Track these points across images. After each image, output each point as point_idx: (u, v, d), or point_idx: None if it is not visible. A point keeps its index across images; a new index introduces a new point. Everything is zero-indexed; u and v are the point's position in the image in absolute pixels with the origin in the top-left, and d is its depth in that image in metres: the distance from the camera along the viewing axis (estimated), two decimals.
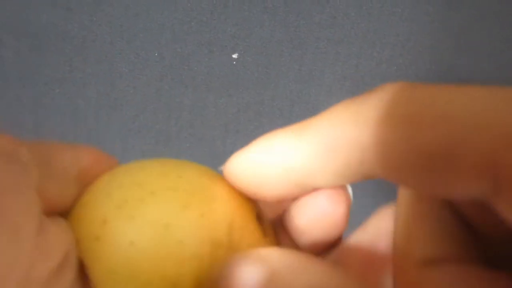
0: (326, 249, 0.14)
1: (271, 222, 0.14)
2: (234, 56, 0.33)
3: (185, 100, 0.34)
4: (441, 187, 0.09)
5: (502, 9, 0.32)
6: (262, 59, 0.33)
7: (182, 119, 0.34)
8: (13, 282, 0.09)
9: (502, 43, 0.33)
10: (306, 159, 0.11)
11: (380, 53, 0.33)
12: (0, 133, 0.11)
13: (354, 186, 0.14)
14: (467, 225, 0.11)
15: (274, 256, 0.10)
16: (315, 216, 0.13)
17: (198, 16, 0.31)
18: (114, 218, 0.11)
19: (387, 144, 0.10)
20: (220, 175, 0.14)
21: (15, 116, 0.32)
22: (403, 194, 0.12)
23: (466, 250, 0.10)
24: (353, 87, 0.34)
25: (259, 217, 0.13)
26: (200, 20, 0.32)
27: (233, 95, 0.34)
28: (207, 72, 0.33)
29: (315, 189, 0.12)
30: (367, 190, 0.35)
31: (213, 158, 0.35)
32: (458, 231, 0.11)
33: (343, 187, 0.13)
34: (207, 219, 0.12)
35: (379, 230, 0.13)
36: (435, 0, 0.32)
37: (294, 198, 0.13)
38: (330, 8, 0.32)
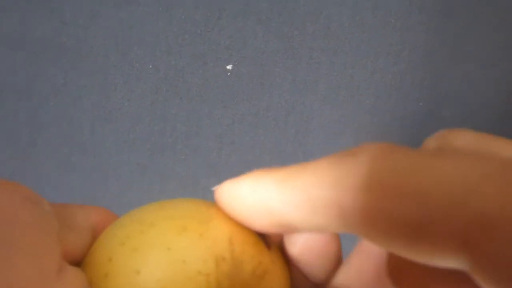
0: (328, 275, 0.14)
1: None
2: (229, 67, 0.33)
3: (180, 112, 0.34)
4: (419, 256, 0.09)
5: (496, 18, 0.32)
6: (256, 70, 0.33)
7: (177, 130, 0.34)
8: None
9: (497, 52, 0.33)
10: (287, 208, 0.11)
11: (374, 63, 0.33)
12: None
13: None
14: None
15: None
16: (306, 244, 0.13)
17: (192, 28, 0.32)
18: (119, 254, 0.12)
19: (365, 211, 0.10)
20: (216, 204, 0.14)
21: (10, 128, 0.32)
22: None
23: None
24: (348, 97, 0.34)
25: (260, 233, 0.13)
26: (194, 32, 0.32)
27: (228, 106, 0.34)
28: (202, 83, 0.33)
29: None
30: None
31: (208, 169, 0.35)
32: None
33: None
34: (207, 237, 0.12)
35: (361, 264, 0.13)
36: (428, 9, 0.32)
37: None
38: (324, 18, 0.32)
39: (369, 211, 0.10)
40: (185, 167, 0.35)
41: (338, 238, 0.13)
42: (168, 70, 0.33)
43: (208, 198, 0.14)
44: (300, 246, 0.13)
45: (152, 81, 0.33)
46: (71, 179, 0.34)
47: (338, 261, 0.13)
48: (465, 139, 0.10)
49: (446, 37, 0.33)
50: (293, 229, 0.12)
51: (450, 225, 0.09)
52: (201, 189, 0.35)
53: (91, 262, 0.12)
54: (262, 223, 0.12)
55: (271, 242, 0.14)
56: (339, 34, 0.32)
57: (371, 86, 0.34)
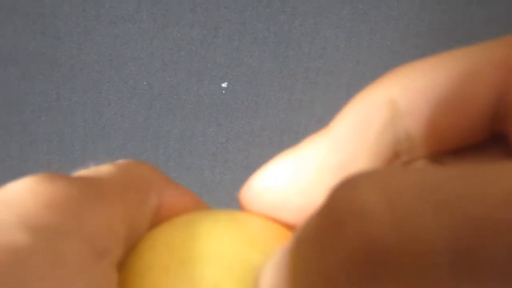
0: None
1: None
2: (224, 85, 0.33)
3: (174, 129, 0.33)
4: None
5: None
6: (251, 88, 0.33)
7: (170, 148, 0.34)
8: None
9: None
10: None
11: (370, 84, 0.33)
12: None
13: None
14: None
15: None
16: None
17: (187, 46, 0.31)
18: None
19: None
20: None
21: (0, 143, 0.32)
22: None
23: None
24: None
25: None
26: (189, 49, 0.32)
27: (222, 125, 0.33)
28: (196, 101, 0.33)
29: None
30: None
31: (201, 188, 0.35)
32: None
33: None
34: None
35: None
36: (424, 34, 0.32)
37: None
38: (320, 39, 0.32)
39: None
40: None
41: None
42: (163, 87, 0.32)
43: None
44: None
45: (146, 98, 0.32)
46: None
47: None
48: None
49: None
50: None
51: None
52: None
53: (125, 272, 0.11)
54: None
55: None
56: (335, 55, 0.32)
57: None
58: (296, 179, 0.12)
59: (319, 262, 0.07)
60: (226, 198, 0.35)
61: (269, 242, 0.11)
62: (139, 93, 0.32)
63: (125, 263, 0.11)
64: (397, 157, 0.11)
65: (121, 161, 0.12)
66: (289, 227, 0.12)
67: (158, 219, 0.12)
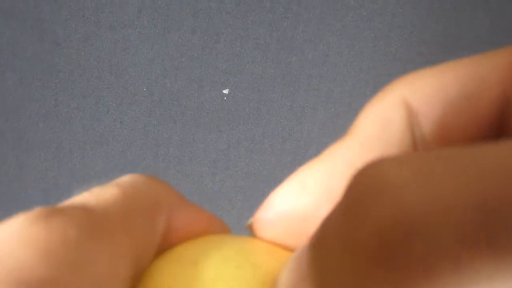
0: None
1: None
2: (225, 91, 0.32)
3: (174, 136, 0.33)
4: None
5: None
6: (253, 95, 0.32)
7: (170, 155, 0.33)
8: None
9: None
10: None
11: (373, 92, 0.33)
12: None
13: None
14: None
15: None
16: None
17: (188, 52, 0.31)
18: None
19: None
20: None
21: None
22: None
23: None
24: (347, 125, 0.33)
25: None
26: (191, 55, 0.31)
27: (223, 131, 0.33)
28: (197, 107, 0.32)
29: None
30: None
31: (201, 195, 0.34)
32: None
33: None
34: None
35: None
36: (429, 41, 0.32)
37: None
38: (323, 45, 0.31)
39: None
40: None
41: None
42: (163, 93, 0.32)
43: None
44: None
45: (145, 104, 0.32)
46: (59, 203, 0.33)
47: None
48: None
49: None
50: None
51: None
52: None
53: None
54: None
55: None
56: (338, 62, 0.32)
57: None
58: (324, 193, 0.11)
59: (348, 239, 0.07)
60: (227, 206, 0.35)
61: None
62: (138, 99, 0.32)
63: None
64: None
65: (127, 179, 0.11)
66: None
67: (167, 243, 0.11)
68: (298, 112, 0.33)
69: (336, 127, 0.33)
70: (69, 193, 0.35)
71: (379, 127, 0.11)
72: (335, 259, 0.07)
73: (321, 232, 0.08)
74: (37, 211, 0.09)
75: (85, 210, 0.09)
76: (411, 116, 0.11)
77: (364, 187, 0.07)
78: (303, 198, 0.11)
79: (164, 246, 0.11)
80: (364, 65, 0.32)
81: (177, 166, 0.33)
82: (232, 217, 0.35)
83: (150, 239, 0.10)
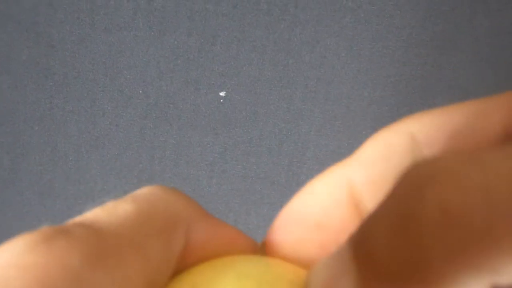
0: None
1: None
2: (222, 94, 0.32)
3: (170, 139, 0.32)
4: None
5: (495, 55, 0.32)
6: (250, 97, 0.32)
7: (166, 158, 0.33)
8: None
9: (494, 88, 0.33)
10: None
11: (371, 94, 0.33)
12: None
13: None
14: None
15: None
16: None
17: (184, 54, 0.31)
18: None
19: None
20: None
21: None
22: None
23: None
24: (344, 127, 0.33)
25: None
26: (187, 57, 0.31)
27: (220, 134, 0.33)
28: (193, 110, 0.32)
29: None
30: None
31: (198, 198, 0.34)
32: None
33: None
34: None
35: None
36: (427, 43, 0.31)
37: None
38: (321, 48, 0.31)
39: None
40: None
41: None
42: (159, 96, 0.32)
43: None
44: None
45: (141, 107, 0.32)
46: (54, 207, 0.32)
47: None
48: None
49: (444, 71, 0.32)
50: None
51: None
52: None
53: None
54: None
55: None
56: (336, 64, 0.32)
57: (368, 117, 0.33)
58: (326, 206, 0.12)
59: (405, 218, 0.07)
60: (224, 209, 0.34)
61: None
62: (134, 102, 0.31)
63: None
64: None
65: (143, 192, 0.10)
66: None
67: (185, 262, 0.10)
68: (295, 115, 0.33)
69: (333, 129, 0.33)
70: (65, 197, 0.35)
71: (380, 149, 0.12)
72: (384, 250, 0.07)
73: (366, 225, 0.08)
74: (40, 232, 0.08)
75: (93, 231, 0.09)
76: (414, 143, 0.11)
77: (419, 176, 0.07)
78: (313, 208, 0.12)
79: (182, 265, 0.10)
80: (362, 67, 0.32)
81: (174, 169, 0.33)
82: (229, 220, 0.35)
83: (165, 260, 0.10)
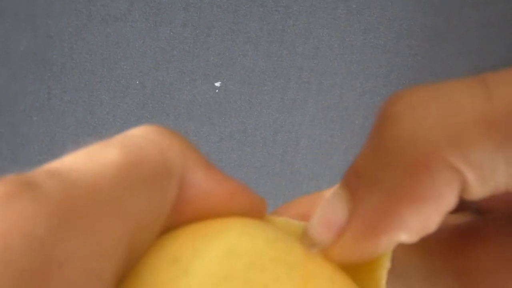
0: None
1: None
2: (217, 84, 0.32)
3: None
4: None
5: (484, 47, 0.33)
6: (245, 88, 0.33)
7: None
8: None
9: None
10: None
11: (363, 84, 0.33)
12: None
13: None
14: None
15: None
16: None
17: (180, 45, 0.31)
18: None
19: None
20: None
21: None
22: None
23: None
24: (337, 117, 0.34)
25: None
26: (182, 49, 0.31)
27: (216, 124, 0.33)
28: (189, 100, 0.33)
29: None
30: None
31: None
32: None
33: None
34: None
35: None
36: (417, 34, 0.32)
37: None
38: (314, 39, 0.32)
39: None
40: None
41: None
42: (155, 87, 0.32)
43: None
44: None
45: (138, 97, 0.32)
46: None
47: None
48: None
49: (434, 62, 0.33)
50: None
51: None
52: None
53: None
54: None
55: None
56: (329, 55, 0.32)
57: (360, 107, 0.33)
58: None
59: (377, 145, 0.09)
60: None
61: None
62: (131, 92, 0.32)
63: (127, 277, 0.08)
64: None
65: (135, 134, 0.09)
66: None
67: (179, 216, 0.09)
68: (289, 105, 0.33)
69: (326, 119, 0.34)
70: None
71: None
72: (364, 162, 0.09)
73: (356, 160, 0.10)
74: (2, 187, 0.07)
75: (66, 185, 0.07)
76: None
77: (391, 109, 0.09)
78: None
79: (176, 220, 0.09)
80: (354, 58, 0.32)
81: None
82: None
83: (153, 217, 0.08)
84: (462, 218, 0.11)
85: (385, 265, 0.10)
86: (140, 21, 0.30)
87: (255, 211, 0.10)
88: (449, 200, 0.09)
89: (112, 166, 0.08)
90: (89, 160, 0.08)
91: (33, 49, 0.30)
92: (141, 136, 0.09)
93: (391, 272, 0.10)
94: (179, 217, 0.09)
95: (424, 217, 0.09)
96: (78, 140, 0.32)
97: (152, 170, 0.08)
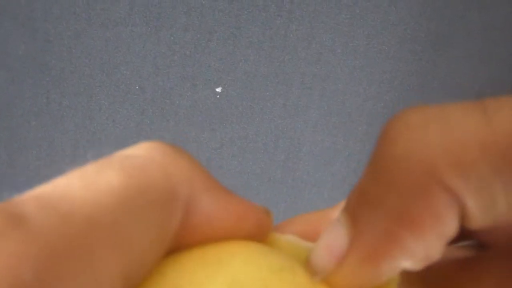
0: None
1: None
2: (218, 90, 0.32)
3: (166, 135, 0.33)
4: None
5: (488, 51, 0.32)
6: (246, 93, 0.32)
7: None
8: None
9: (488, 84, 0.33)
10: None
11: (366, 90, 0.33)
12: None
13: None
14: None
15: None
16: None
17: (181, 50, 0.31)
18: None
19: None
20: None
21: None
22: None
23: None
24: (340, 124, 0.33)
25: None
26: (183, 53, 0.31)
27: (216, 130, 0.33)
28: (190, 105, 0.32)
29: None
30: None
31: None
32: None
33: None
34: None
35: None
36: (421, 40, 0.32)
37: None
38: (316, 44, 0.31)
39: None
40: None
41: None
42: (155, 92, 0.32)
43: None
44: None
45: (138, 102, 0.32)
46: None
47: None
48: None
49: (438, 67, 0.32)
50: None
51: None
52: None
53: None
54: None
55: None
56: (332, 60, 0.32)
57: (363, 113, 0.33)
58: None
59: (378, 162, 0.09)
60: None
61: None
62: (131, 97, 0.31)
63: None
64: None
65: (137, 155, 0.08)
66: None
67: (184, 239, 0.08)
68: (291, 111, 0.33)
69: (329, 125, 0.33)
70: None
71: None
72: (366, 182, 0.09)
73: (356, 186, 0.09)
74: None
75: (59, 219, 0.07)
76: None
77: (392, 129, 0.09)
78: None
79: (181, 242, 0.08)
80: (357, 63, 0.32)
81: None
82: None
83: (156, 244, 0.08)
84: (463, 252, 0.11)
85: None
86: (140, 25, 0.30)
87: (261, 233, 0.10)
88: (449, 225, 0.09)
89: (111, 194, 0.07)
90: (85, 186, 0.07)
91: (32, 53, 0.30)
92: (143, 157, 0.08)
93: None
94: (183, 241, 0.08)
95: (425, 242, 0.09)
96: (77, 145, 0.32)
97: (156, 196, 0.08)
